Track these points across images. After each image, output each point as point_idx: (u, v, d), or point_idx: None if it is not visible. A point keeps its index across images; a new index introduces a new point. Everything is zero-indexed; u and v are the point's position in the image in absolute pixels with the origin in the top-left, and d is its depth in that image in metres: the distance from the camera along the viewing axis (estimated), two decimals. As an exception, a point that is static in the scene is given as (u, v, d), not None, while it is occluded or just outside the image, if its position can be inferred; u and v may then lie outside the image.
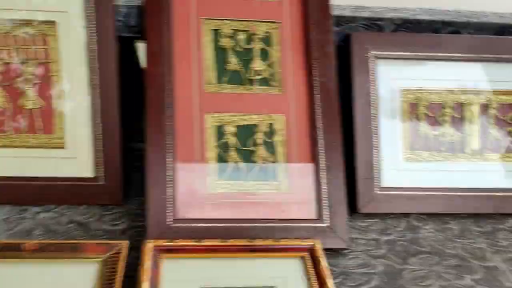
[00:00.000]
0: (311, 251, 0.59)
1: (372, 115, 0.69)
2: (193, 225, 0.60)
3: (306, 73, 0.66)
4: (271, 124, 0.65)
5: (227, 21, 0.66)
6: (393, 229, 0.68)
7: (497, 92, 0.73)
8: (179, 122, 0.62)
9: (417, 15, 0.81)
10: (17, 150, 0.66)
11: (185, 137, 0.62)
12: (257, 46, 0.67)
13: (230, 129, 0.64)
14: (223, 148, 0.64)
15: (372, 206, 0.67)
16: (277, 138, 0.65)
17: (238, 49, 0.66)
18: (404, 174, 0.69)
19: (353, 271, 0.61)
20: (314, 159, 0.64)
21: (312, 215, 0.62)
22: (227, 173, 0.63)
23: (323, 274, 0.55)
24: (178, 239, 0.59)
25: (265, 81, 0.66)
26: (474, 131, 0.72)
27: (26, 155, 0.66)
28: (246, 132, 0.64)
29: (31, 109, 0.65)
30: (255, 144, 0.64)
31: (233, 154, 0.64)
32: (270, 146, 0.64)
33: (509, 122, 0.74)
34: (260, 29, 0.67)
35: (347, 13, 0.78)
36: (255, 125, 0.65)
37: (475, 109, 0.72)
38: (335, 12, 0.72)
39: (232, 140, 0.64)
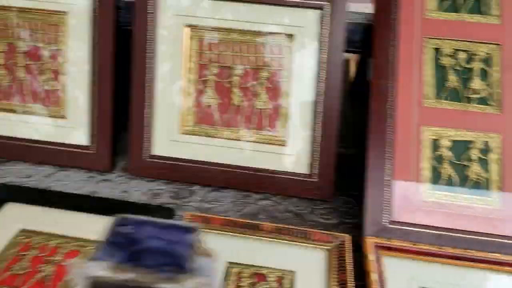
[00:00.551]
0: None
1: None
2: (406, 228, 0.65)
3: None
4: (486, 142, 0.67)
5: (448, 41, 0.70)
6: None
7: None
8: (398, 132, 0.67)
9: None
10: (243, 143, 0.76)
11: (403, 146, 0.67)
12: (477, 66, 0.69)
13: (445, 143, 0.68)
14: (438, 160, 0.67)
15: None
16: (492, 156, 0.67)
17: (457, 67, 0.70)
18: None
19: None
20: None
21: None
22: (440, 184, 0.67)
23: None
24: (392, 239, 0.64)
25: (483, 100, 0.68)
26: None
27: (252, 149, 0.76)
28: (461, 147, 0.67)
29: (260, 109, 0.76)
30: (469, 160, 0.67)
31: (447, 167, 0.67)
32: (484, 163, 0.67)
33: None
34: (481, 50, 0.70)
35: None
36: (470, 142, 0.67)
37: None
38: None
39: (447, 153, 0.67)
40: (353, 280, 0.57)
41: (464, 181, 0.67)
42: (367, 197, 0.66)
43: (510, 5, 0.71)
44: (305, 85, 0.74)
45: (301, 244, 0.63)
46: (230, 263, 0.61)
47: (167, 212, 0.69)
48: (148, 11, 0.75)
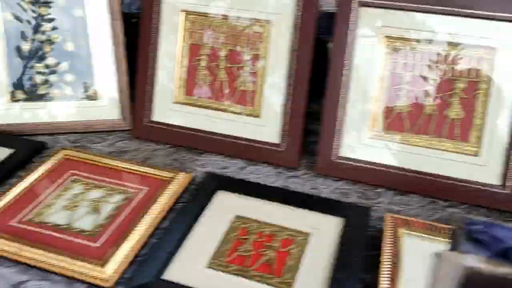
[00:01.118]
0: None
1: None
2: None
3: None
4: None
5: None
6: None
7: None
8: None
9: None
10: (435, 151, 0.78)
11: None
12: None
13: None
14: None
15: None
16: None
17: None
18: None
19: None
20: None
21: None
22: None
23: None
24: None
25: None
26: None
27: (439, 156, 0.78)
28: None
29: (453, 119, 0.78)
30: None
31: None
32: None
33: None
34: None
35: None
36: None
37: None
38: None
39: None
40: None
41: None
42: None
43: None
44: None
45: None
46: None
47: (363, 210, 0.72)
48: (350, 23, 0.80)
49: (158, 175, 0.79)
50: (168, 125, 0.90)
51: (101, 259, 0.63)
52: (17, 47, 0.90)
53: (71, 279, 0.61)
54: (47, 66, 0.91)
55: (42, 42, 0.90)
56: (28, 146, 0.85)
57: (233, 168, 0.84)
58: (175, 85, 0.89)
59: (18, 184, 0.75)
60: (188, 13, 0.88)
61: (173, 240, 0.66)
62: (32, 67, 0.91)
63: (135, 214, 0.71)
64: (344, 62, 0.80)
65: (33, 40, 0.90)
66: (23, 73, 0.91)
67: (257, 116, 0.86)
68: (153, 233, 0.68)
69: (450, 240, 0.46)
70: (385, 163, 0.79)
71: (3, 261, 0.63)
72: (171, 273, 0.61)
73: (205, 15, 0.87)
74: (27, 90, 0.91)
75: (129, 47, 0.93)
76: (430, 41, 0.77)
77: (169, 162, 0.85)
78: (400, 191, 0.79)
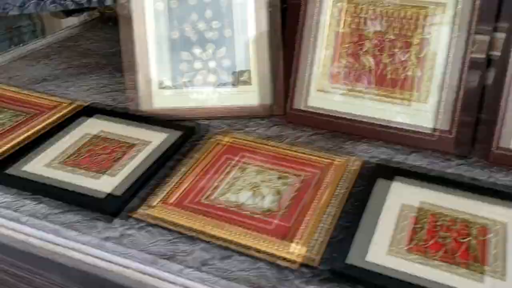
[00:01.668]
0: None
1: None
2: None
3: None
4: None
5: None
6: None
7: None
8: None
9: None
10: None
11: None
12: None
13: None
14: None
15: None
16: None
17: None
18: None
19: None
20: None
21: None
22: None
23: None
24: None
25: None
26: None
27: None
28: None
29: None
30: None
31: None
32: None
33: None
34: None
35: None
36: None
37: None
38: None
39: None
40: None
41: None
42: None
43: None
44: None
45: None
46: None
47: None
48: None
49: (327, 160, 0.79)
50: (324, 110, 0.90)
51: (287, 240, 0.63)
52: (175, 28, 0.93)
53: (256, 258, 0.62)
54: (202, 52, 0.94)
55: (198, 28, 0.93)
56: (182, 130, 0.87)
57: (398, 155, 0.82)
58: (332, 71, 0.89)
59: (181, 168, 0.77)
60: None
61: (357, 224, 0.66)
62: (187, 53, 0.93)
63: (311, 197, 0.71)
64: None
65: (188, 26, 0.93)
66: (178, 59, 0.94)
67: (421, 101, 0.83)
68: (339, 217, 0.68)
69: None
70: None
71: (188, 239, 0.65)
72: (372, 256, 0.61)
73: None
74: (180, 76, 0.94)
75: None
76: None
77: (329, 148, 0.85)
78: None
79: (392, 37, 0.85)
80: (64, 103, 0.96)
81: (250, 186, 0.74)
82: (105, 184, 0.74)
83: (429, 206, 0.69)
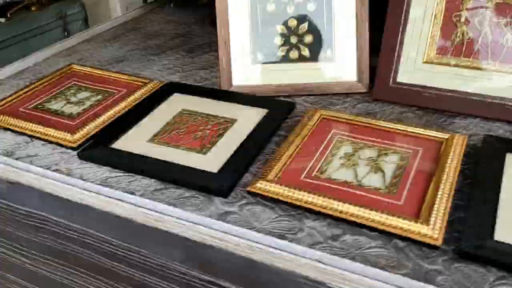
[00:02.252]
0: None
1: None
2: None
3: None
4: None
5: None
6: None
7: None
8: None
9: None
10: None
11: None
12: None
13: None
14: None
15: None
16: None
17: None
18: None
19: None
20: None
21: None
22: None
23: None
24: None
25: None
26: None
27: None
28: None
29: None
30: None
31: None
32: None
33: None
34: None
35: None
36: None
37: None
38: None
39: None
40: None
41: None
42: None
43: None
44: None
45: None
46: None
47: None
48: None
49: (428, 136, 0.74)
50: (415, 86, 0.85)
51: (416, 217, 0.59)
52: (262, 8, 0.90)
53: (388, 234, 0.58)
54: (287, 28, 0.90)
55: (285, 3, 0.90)
56: (280, 106, 0.84)
57: (501, 131, 0.78)
58: (427, 44, 0.84)
59: (286, 144, 0.74)
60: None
61: (478, 202, 0.61)
62: (273, 28, 0.90)
63: (418, 175, 0.67)
64: None
65: (277, 1, 0.89)
66: (265, 35, 0.90)
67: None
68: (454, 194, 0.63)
69: None
70: None
71: (312, 214, 0.62)
72: (500, 235, 0.56)
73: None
74: (267, 52, 0.91)
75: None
76: None
77: (424, 125, 0.80)
78: None
79: None
80: (144, 81, 0.95)
81: (351, 162, 0.70)
82: (213, 159, 0.72)
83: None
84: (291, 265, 0.56)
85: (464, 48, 0.82)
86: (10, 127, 0.82)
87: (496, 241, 0.55)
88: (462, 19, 0.82)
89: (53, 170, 0.71)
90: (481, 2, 0.80)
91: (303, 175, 0.68)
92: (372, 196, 0.64)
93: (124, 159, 0.72)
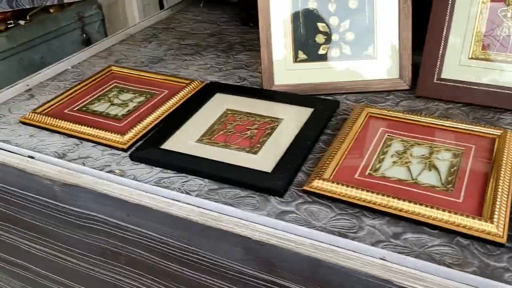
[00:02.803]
0: None
1: None
2: None
3: None
4: None
5: None
6: None
7: None
8: None
9: None
10: None
11: None
12: None
13: None
14: None
15: None
16: None
17: None
18: None
19: None
20: None
21: None
22: None
23: None
24: None
25: None
26: None
27: None
28: None
29: None
30: None
31: None
32: None
33: None
34: None
35: None
36: None
37: None
38: None
39: None
40: None
41: None
42: None
43: None
44: None
45: None
46: None
47: None
48: None
49: (480, 132, 0.74)
50: (461, 82, 0.84)
51: (478, 214, 0.59)
52: (303, 7, 0.90)
53: (450, 232, 0.58)
54: (329, 25, 0.90)
55: (326, 0, 0.89)
56: (325, 105, 0.84)
57: (551, 127, 0.77)
58: (472, 40, 0.83)
59: (335, 142, 0.74)
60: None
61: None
62: (315, 26, 0.90)
63: (474, 172, 0.66)
64: None
65: (318, -1, 0.90)
66: (306, 33, 0.90)
67: None
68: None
69: None
70: None
71: (369, 212, 0.62)
72: None
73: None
74: (309, 50, 0.91)
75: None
76: None
77: (472, 121, 0.80)
78: None
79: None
80: (185, 81, 0.95)
81: (403, 160, 0.70)
82: (265, 159, 0.72)
83: None
84: (355, 264, 0.56)
85: (510, 44, 0.82)
86: (58, 130, 0.83)
87: None
88: (508, 14, 0.81)
89: (107, 172, 0.72)
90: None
91: (357, 173, 0.68)
92: (429, 193, 0.64)
93: (175, 159, 0.73)
